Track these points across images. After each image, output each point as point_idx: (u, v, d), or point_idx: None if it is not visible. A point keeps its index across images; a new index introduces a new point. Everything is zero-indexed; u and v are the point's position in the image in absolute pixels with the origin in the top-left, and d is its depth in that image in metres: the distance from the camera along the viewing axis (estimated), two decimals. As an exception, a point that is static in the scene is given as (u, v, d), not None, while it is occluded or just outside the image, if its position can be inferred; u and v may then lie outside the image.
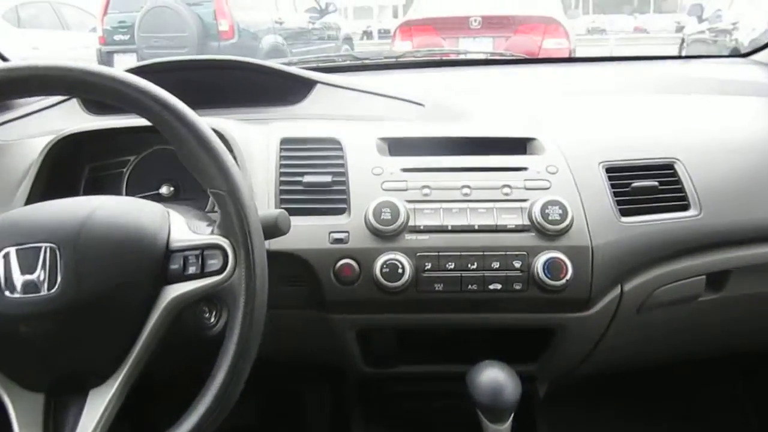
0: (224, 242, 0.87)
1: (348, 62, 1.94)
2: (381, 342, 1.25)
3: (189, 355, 1.03)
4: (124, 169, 1.28)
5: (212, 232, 0.90)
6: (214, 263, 0.87)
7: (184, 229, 0.92)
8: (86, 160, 1.27)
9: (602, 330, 1.22)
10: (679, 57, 2.63)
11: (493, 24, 6.09)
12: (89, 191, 1.26)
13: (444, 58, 2.07)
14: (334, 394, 1.65)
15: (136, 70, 1.33)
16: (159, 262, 0.88)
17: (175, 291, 0.87)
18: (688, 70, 1.95)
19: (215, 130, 1.16)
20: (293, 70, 1.43)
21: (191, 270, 0.87)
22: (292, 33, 8.42)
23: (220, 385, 0.83)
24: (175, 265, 0.88)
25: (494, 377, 1.05)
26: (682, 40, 8.72)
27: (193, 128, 0.86)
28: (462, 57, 2.09)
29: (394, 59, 1.97)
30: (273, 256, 1.07)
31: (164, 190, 1.28)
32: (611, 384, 1.73)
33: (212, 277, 0.86)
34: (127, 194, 1.34)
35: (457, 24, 6.12)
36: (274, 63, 1.44)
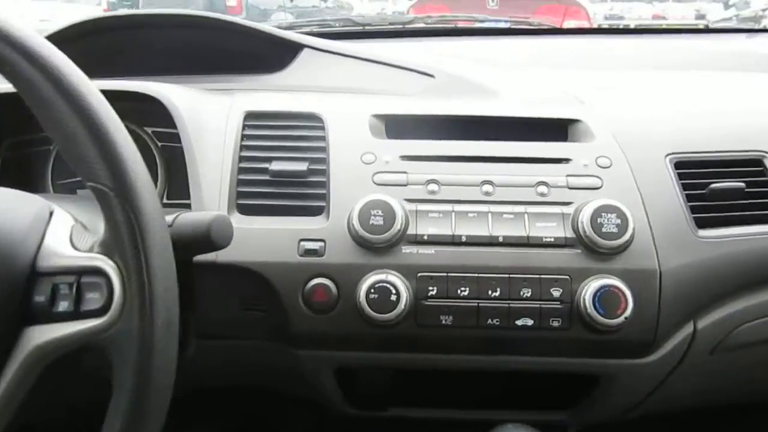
0: (108, 265, 0.57)
1: (346, 28, 1.64)
2: (368, 380, 0.98)
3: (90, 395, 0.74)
4: (51, 147, 1.09)
5: (92, 248, 0.59)
6: (93, 298, 0.56)
7: (64, 239, 0.62)
8: (5, 133, 1.06)
9: (662, 378, 0.95)
10: (732, 30, 2.28)
11: (510, 4, 5.77)
12: (6, 173, 1.07)
13: (460, 26, 1.75)
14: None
15: (84, 25, 1.14)
16: (17, 290, 0.58)
17: (37, 337, 0.57)
18: (749, 44, 1.63)
19: (144, 95, 0.84)
20: (276, 31, 1.21)
21: (62, 306, 0.57)
22: (303, 11, 8.23)
23: None
24: (40, 297, 0.58)
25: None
26: (706, 27, 8.34)
27: (59, 80, 0.55)
28: (480, 26, 1.77)
29: (400, 26, 1.66)
30: (220, 270, 0.83)
31: None
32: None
33: (89, 321, 0.56)
34: (52, 180, 1.11)
35: (473, 3, 5.80)
36: (252, 23, 1.23)
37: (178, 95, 0.96)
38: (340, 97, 1.05)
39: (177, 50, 1.18)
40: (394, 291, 0.80)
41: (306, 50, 1.18)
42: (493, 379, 1.02)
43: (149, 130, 1.06)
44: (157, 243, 0.56)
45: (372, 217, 0.82)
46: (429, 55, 1.23)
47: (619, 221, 0.82)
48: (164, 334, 0.55)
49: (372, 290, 0.81)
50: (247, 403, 1.51)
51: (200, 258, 0.83)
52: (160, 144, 1.06)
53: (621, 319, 0.80)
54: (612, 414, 1.04)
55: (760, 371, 1.03)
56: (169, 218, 0.67)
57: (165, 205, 1.05)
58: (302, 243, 0.84)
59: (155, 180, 1.05)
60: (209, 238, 0.65)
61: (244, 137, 0.93)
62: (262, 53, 1.19)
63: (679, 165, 0.92)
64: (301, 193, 0.89)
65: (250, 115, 0.96)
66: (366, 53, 1.18)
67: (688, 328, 0.89)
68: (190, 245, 0.66)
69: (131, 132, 1.06)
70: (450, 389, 1.05)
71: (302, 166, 0.89)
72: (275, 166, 0.90)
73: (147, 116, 1.01)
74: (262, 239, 0.85)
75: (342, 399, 0.99)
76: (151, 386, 0.56)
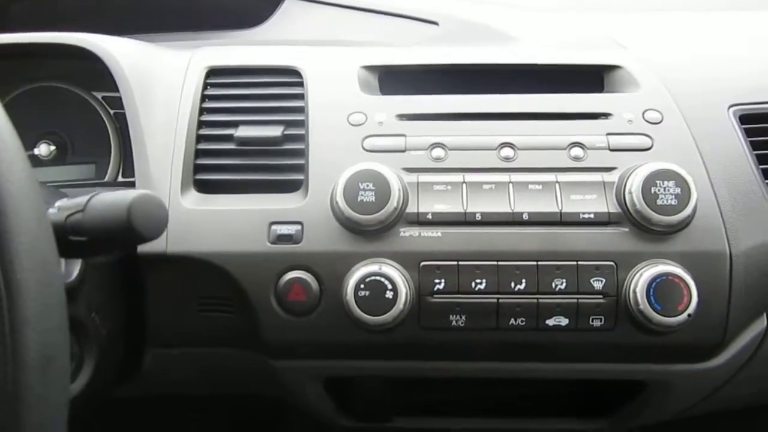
0: None
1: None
2: (365, 389, 0.82)
3: None
4: None
5: None
6: None
7: None
8: None
9: (722, 382, 0.77)
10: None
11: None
12: None
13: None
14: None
15: None
16: None
17: None
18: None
19: (82, 50, 0.81)
20: None
21: None
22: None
23: None
24: None
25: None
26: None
27: None
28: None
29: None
30: (172, 264, 0.69)
31: (42, 149, 0.93)
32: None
33: None
34: None
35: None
36: None
37: (122, 50, 0.80)
38: (324, 49, 0.87)
39: (143, 6, 1.08)
40: (390, 286, 0.64)
41: (288, 0, 1.05)
42: (516, 383, 0.85)
43: (99, 95, 0.91)
44: (24, 244, 0.39)
45: (361, 192, 0.65)
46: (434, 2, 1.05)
47: (678, 190, 0.64)
48: (38, 378, 0.38)
49: (362, 286, 0.64)
50: (242, 406, 1.37)
51: (146, 249, 0.68)
52: (112, 111, 0.90)
53: (683, 316, 0.63)
54: (654, 422, 0.87)
55: None
56: (79, 201, 0.51)
57: (119, 185, 0.89)
58: (274, 227, 0.68)
59: (107, 153, 0.89)
60: (131, 226, 0.48)
61: (205, 98, 0.79)
62: (240, 6, 1.08)
63: (745, 119, 0.76)
64: (273, 165, 0.73)
65: (212, 72, 0.81)
66: (357, 1, 1.04)
67: (761, 324, 0.72)
68: (108, 238, 0.49)
69: (76, 97, 0.90)
70: (464, 394, 0.88)
71: (275, 132, 0.74)
72: (242, 131, 0.74)
73: (96, 79, 0.86)
74: (223, 223, 0.69)
75: (334, 411, 0.83)
76: None
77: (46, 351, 0.38)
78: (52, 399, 0.39)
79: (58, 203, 0.54)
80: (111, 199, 0.50)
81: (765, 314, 0.72)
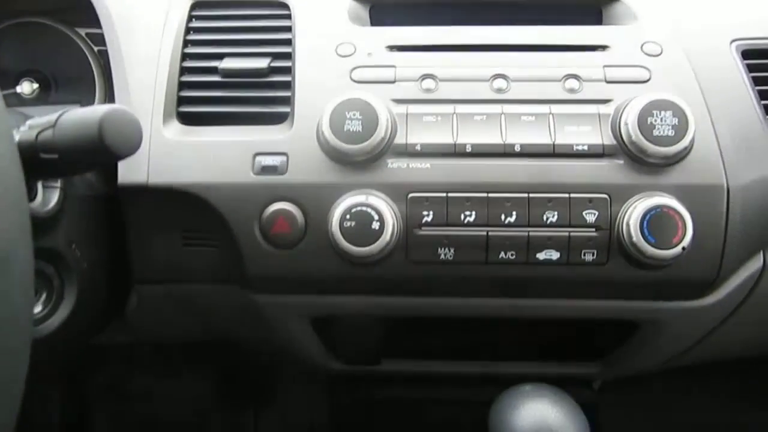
0: None
1: None
2: (354, 331, 0.81)
3: None
4: None
5: None
6: None
7: None
8: None
9: (716, 323, 0.76)
10: None
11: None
12: None
13: None
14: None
15: None
16: None
17: None
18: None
19: None
20: None
21: None
22: None
23: None
24: None
25: (546, 427, 0.57)
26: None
27: None
28: None
29: None
30: (154, 195, 0.67)
31: (25, 87, 0.92)
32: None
33: None
34: None
35: None
36: None
37: None
38: None
39: None
40: (376, 217, 0.62)
41: None
42: (506, 327, 0.84)
43: (82, 31, 0.88)
44: None
45: (348, 122, 0.63)
46: None
47: (675, 121, 0.62)
48: None
49: (348, 216, 0.62)
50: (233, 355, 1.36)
51: (127, 180, 0.66)
52: (96, 48, 0.87)
53: (677, 249, 0.61)
54: (649, 364, 0.86)
55: None
56: (50, 117, 0.50)
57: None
58: (258, 158, 0.66)
59: (91, 92, 0.87)
60: (102, 142, 0.46)
61: (189, 30, 0.77)
62: None
63: (747, 54, 0.74)
64: (259, 97, 0.71)
65: (197, 4, 0.79)
66: None
67: (757, 262, 0.70)
68: (80, 154, 0.47)
69: (59, 33, 0.87)
70: (455, 339, 0.87)
71: (262, 63, 0.72)
72: (227, 63, 0.72)
73: (80, 15, 0.82)
74: (207, 154, 0.67)
75: (324, 353, 0.82)
76: None
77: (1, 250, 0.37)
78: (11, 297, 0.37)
79: (29, 122, 0.53)
80: (82, 115, 0.48)
81: (762, 252, 0.70)
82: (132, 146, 0.49)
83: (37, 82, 0.91)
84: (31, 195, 0.60)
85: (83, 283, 0.66)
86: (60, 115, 0.50)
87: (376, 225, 0.62)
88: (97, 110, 0.48)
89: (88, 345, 1.05)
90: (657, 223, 0.61)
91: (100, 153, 0.48)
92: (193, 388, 1.47)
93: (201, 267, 0.70)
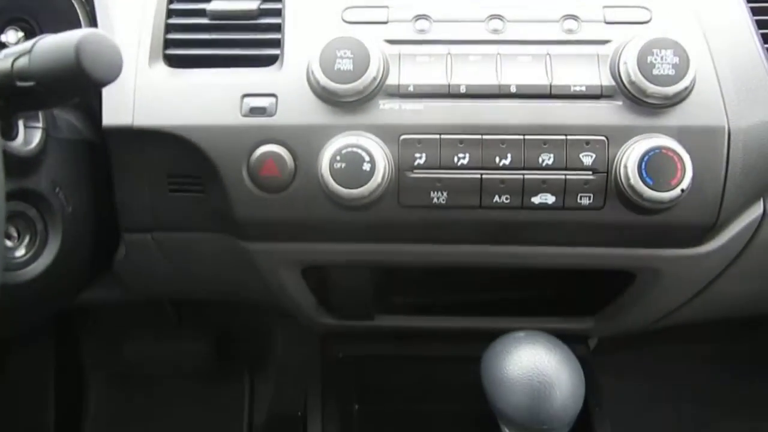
0: None
1: None
2: (346, 283, 0.79)
3: None
4: None
5: None
6: None
7: None
8: None
9: (715, 274, 0.75)
10: None
11: None
12: None
13: None
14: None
15: None
16: None
17: None
18: None
19: None
20: None
21: None
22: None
23: None
24: None
25: (536, 365, 0.56)
26: None
27: None
28: None
29: None
30: (139, 138, 0.66)
31: (10, 36, 0.87)
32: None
33: None
34: None
35: None
36: None
37: None
38: None
39: None
40: (367, 158, 0.60)
41: None
42: (502, 281, 0.83)
43: None
44: None
45: (338, 60, 0.61)
46: None
47: (676, 60, 0.60)
48: None
49: (338, 157, 0.61)
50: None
51: (111, 123, 0.64)
52: None
53: (676, 191, 0.60)
54: (641, 323, 0.85)
55: None
56: (26, 44, 0.48)
57: None
58: (246, 99, 0.64)
59: None
60: (80, 66, 0.45)
61: None
62: None
63: None
64: (248, 40, 0.70)
65: None
66: None
67: (757, 209, 0.69)
68: (57, 81, 0.46)
69: None
70: (448, 296, 0.86)
71: (251, 5, 0.70)
72: (215, 5, 0.71)
73: None
74: (194, 96, 0.66)
75: (316, 306, 0.81)
76: None
77: None
78: None
79: (4, 51, 0.51)
80: (58, 39, 0.47)
81: (762, 200, 0.69)
82: (111, 71, 0.47)
83: (22, 30, 0.89)
84: (12, 134, 0.58)
85: (68, 229, 0.65)
86: (36, 42, 0.48)
87: (366, 167, 0.60)
88: (73, 34, 0.46)
89: (81, 307, 1.05)
90: (655, 164, 0.60)
91: (78, 79, 0.46)
92: (189, 351, 1.47)
93: (188, 214, 0.69)
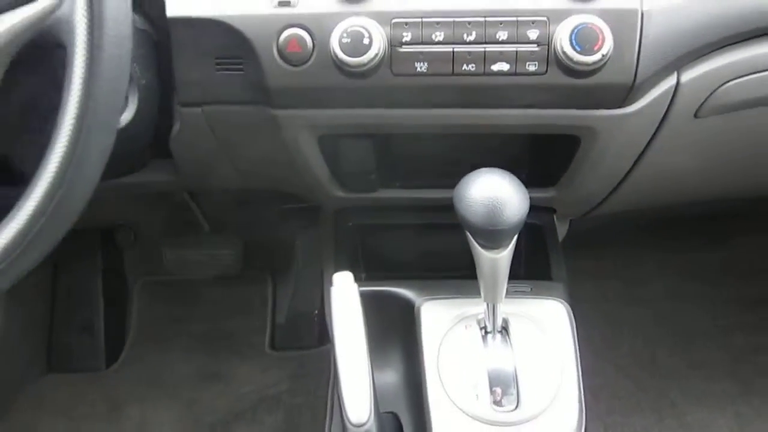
0: None
1: None
2: (353, 155, 0.98)
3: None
4: None
5: None
6: None
7: None
8: None
9: (645, 140, 0.93)
10: None
11: None
12: None
13: None
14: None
15: None
16: None
17: None
18: None
19: None
20: None
21: None
22: None
23: (54, 173, 0.57)
24: None
25: (491, 186, 0.75)
26: None
27: None
28: None
29: None
30: (191, 25, 0.83)
31: None
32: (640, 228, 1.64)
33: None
34: None
35: None
36: None
37: None
38: None
39: None
40: (367, 35, 0.79)
41: None
42: (479, 154, 1.01)
43: None
44: None
45: None
46: None
47: None
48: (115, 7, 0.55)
49: (345, 34, 0.80)
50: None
51: (174, 13, 0.83)
52: None
53: (598, 55, 0.78)
54: (597, 189, 1.03)
55: (743, 146, 1.00)
56: None
57: None
58: None
59: None
60: None
61: None
62: None
63: None
64: None
65: None
66: None
67: (671, 80, 0.86)
68: None
69: None
70: (434, 171, 1.05)
71: None
72: None
73: None
74: None
75: (329, 178, 1.01)
76: (102, 59, 0.56)
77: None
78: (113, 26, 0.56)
79: None
80: None
81: (676, 72, 0.86)
82: None
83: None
84: None
85: (141, 96, 0.85)
86: None
87: (366, 41, 0.79)
88: None
89: (139, 191, 1.23)
90: (583, 36, 0.78)
91: None
92: (219, 257, 1.68)
93: (230, 89, 0.88)
